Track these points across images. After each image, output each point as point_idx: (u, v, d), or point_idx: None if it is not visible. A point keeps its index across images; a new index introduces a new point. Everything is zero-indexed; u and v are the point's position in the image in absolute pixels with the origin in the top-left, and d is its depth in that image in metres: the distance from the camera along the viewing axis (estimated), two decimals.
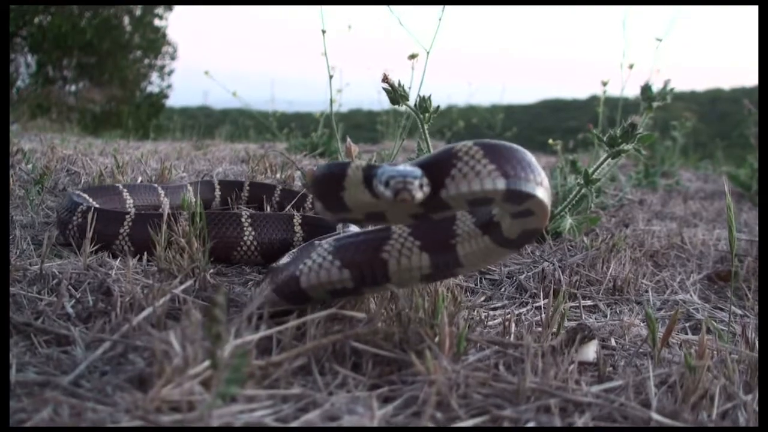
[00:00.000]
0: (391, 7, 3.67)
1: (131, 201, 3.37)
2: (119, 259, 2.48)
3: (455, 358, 1.64)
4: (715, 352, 1.72)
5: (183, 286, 2.06)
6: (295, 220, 2.96)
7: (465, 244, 1.70)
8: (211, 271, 2.34)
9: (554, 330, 1.92)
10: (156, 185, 3.57)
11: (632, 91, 4.95)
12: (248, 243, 2.79)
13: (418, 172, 1.50)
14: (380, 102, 9.99)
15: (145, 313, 1.80)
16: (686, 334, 2.24)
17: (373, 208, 1.63)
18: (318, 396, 1.48)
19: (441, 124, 11.35)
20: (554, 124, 29.98)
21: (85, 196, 3.11)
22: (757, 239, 3.70)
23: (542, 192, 1.55)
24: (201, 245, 2.29)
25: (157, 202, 3.49)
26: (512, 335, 1.93)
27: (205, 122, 15.23)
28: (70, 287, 2.12)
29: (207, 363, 1.38)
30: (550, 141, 4.63)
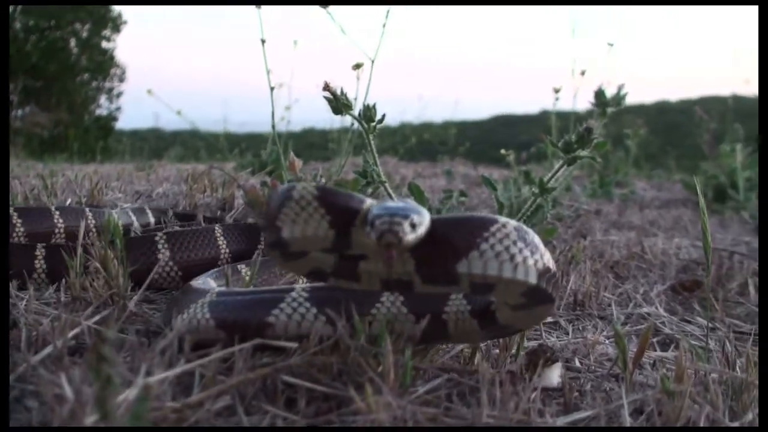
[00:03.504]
0: (333, 11, 3.48)
1: (20, 224, 2.93)
2: (32, 287, 2.24)
3: (401, 391, 1.43)
4: (693, 374, 1.54)
5: (97, 317, 1.83)
6: None
7: (502, 311, 1.54)
8: (135, 297, 2.11)
9: (513, 352, 1.74)
10: (51, 207, 3.21)
11: (582, 105, 4.84)
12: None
13: (410, 208, 1.30)
14: (331, 120, 9.81)
15: (47, 350, 1.57)
16: (655, 350, 2.06)
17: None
18: None
19: (393, 140, 11.19)
20: (506, 138, 30.05)
21: None
22: (719, 247, 3.58)
23: (481, 263, 1.35)
24: (122, 269, 2.06)
25: (51, 225, 3.07)
26: (465, 360, 1.74)
27: (155, 144, 14.93)
28: None
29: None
30: (503, 151, 4.49)
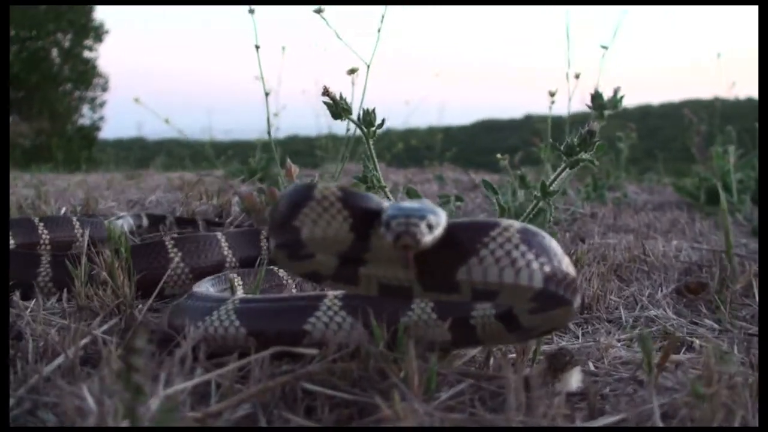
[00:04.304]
0: (325, 12, 3.44)
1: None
2: (34, 299, 2.19)
3: (425, 397, 1.40)
4: (719, 377, 1.52)
5: (105, 326, 1.80)
6: None
7: (521, 314, 1.49)
8: (140, 306, 2.07)
9: (530, 356, 1.71)
10: (33, 218, 3.14)
11: (571, 108, 4.82)
12: None
13: (426, 209, 1.27)
14: (318, 126, 9.78)
15: (58, 361, 1.53)
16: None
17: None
18: None
19: (380, 146, 11.15)
20: (492, 144, 30.04)
21: None
22: (720, 249, 3.56)
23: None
24: (127, 278, 2.02)
25: (36, 238, 3.03)
26: (479, 364, 1.71)
27: (140, 154, 14.83)
28: None
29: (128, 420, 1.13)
30: (498, 155, 4.46)
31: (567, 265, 1.39)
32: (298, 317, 1.60)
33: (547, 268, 1.34)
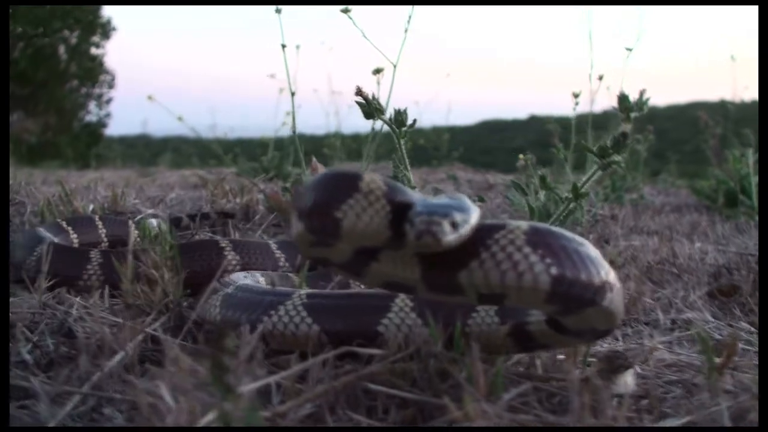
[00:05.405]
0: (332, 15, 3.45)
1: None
2: (79, 296, 2.20)
3: (492, 398, 1.40)
4: None
5: (158, 323, 1.81)
6: None
7: (560, 318, 1.45)
8: (185, 304, 2.08)
9: (581, 358, 1.71)
10: (60, 221, 3.12)
11: (590, 107, 4.82)
12: None
13: (453, 206, 1.24)
14: (327, 126, 9.77)
15: (118, 358, 1.54)
16: None
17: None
18: None
19: (388, 147, 11.12)
20: (496, 144, 30.06)
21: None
22: (747, 252, 3.56)
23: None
24: (173, 275, 2.03)
25: (67, 240, 2.99)
26: (528, 365, 1.71)
27: (145, 151, 14.87)
28: (24, 330, 1.84)
29: (210, 417, 1.13)
30: (520, 156, 4.45)
31: (587, 263, 1.32)
32: (372, 317, 1.59)
33: (554, 270, 1.28)
